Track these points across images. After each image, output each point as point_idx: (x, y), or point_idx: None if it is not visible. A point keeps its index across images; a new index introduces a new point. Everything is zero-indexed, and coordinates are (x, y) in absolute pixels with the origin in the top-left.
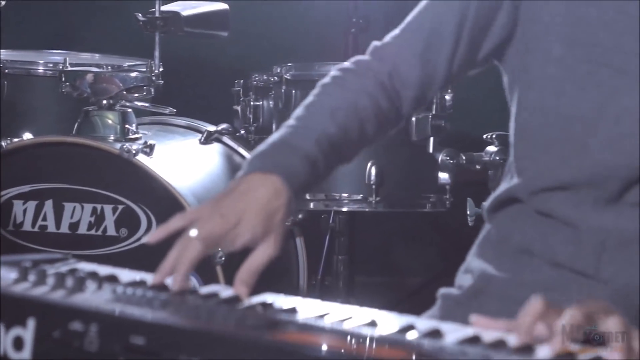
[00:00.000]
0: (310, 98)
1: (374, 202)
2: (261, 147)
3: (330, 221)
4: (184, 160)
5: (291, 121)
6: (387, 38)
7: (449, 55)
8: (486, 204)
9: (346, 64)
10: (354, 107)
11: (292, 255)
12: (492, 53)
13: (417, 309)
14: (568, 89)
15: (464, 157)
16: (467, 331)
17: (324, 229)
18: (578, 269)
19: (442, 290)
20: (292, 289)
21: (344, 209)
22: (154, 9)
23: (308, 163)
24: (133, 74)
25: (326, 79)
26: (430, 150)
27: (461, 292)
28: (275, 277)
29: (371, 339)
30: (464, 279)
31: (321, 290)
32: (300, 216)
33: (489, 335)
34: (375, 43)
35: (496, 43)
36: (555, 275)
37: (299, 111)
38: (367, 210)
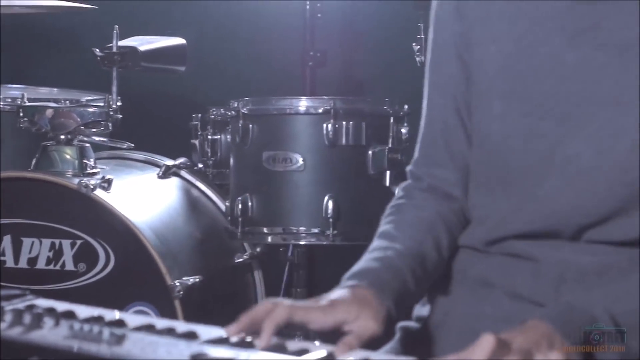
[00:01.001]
0: (381, 228)
1: (331, 235)
2: (352, 270)
3: (289, 254)
4: (142, 194)
5: (370, 251)
6: (415, 154)
7: (465, 137)
8: None
9: (397, 195)
10: (417, 220)
11: (251, 288)
12: None
13: (376, 342)
14: (513, 144)
15: None
16: None
17: (283, 262)
18: (537, 300)
19: (402, 323)
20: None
21: (302, 242)
22: (111, 44)
23: (392, 274)
24: (91, 109)
25: (385, 213)
26: (387, 183)
27: (421, 325)
28: (234, 310)
29: None
30: (422, 311)
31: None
32: (258, 249)
33: None
34: (409, 167)
35: None
36: (515, 307)
37: (374, 243)
38: (324, 243)
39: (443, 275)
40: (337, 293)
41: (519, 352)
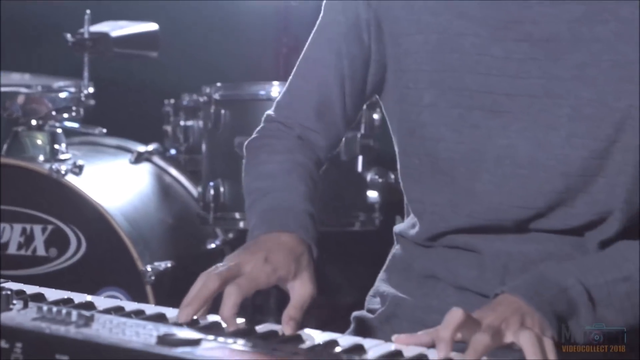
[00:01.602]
0: (254, 169)
1: None
2: (255, 218)
3: None
4: (114, 180)
5: (258, 192)
6: (281, 106)
7: (341, 108)
8: (395, 226)
9: (258, 134)
10: (300, 166)
11: None
12: (376, 91)
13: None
14: (445, 134)
15: (392, 176)
16: (389, 347)
17: None
18: (482, 291)
19: (355, 314)
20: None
21: None
22: (83, 30)
23: (309, 217)
24: (63, 95)
25: (251, 151)
26: (359, 169)
27: (374, 317)
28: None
29: (294, 353)
30: (373, 303)
31: (253, 309)
32: (230, 235)
33: (411, 350)
34: (269, 112)
35: (375, 87)
36: (461, 298)
37: (258, 184)
38: None
39: (390, 267)
40: (265, 243)
41: (489, 328)
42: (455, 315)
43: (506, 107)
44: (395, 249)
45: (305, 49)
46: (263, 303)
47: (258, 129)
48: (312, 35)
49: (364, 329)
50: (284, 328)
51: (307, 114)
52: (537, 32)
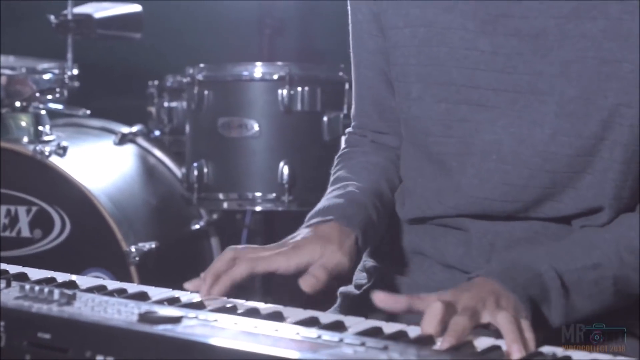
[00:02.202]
0: (331, 178)
1: (287, 201)
2: (312, 212)
3: (247, 221)
4: (98, 161)
5: (327, 195)
6: (352, 119)
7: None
8: None
9: (342, 146)
10: (372, 165)
11: (207, 255)
12: None
13: (329, 305)
14: (432, 128)
15: None
16: (370, 323)
17: (240, 229)
18: (468, 269)
19: (342, 289)
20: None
21: (257, 208)
22: (66, 11)
23: (357, 207)
24: (47, 77)
25: (335, 164)
26: None
27: (360, 292)
28: (190, 276)
29: (275, 330)
30: (360, 277)
31: (238, 289)
32: (215, 216)
33: (391, 327)
34: (348, 129)
35: None
36: (447, 275)
37: (329, 188)
38: (280, 209)
39: (378, 243)
40: (299, 234)
41: (465, 310)
42: (435, 309)
43: (492, 101)
44: None
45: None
46: (248, 283)
47: (344, 138)
48: (350, 40)
49: (350, 305)
50: (301, 283)
51: (371, 117)
52: (525, 27)
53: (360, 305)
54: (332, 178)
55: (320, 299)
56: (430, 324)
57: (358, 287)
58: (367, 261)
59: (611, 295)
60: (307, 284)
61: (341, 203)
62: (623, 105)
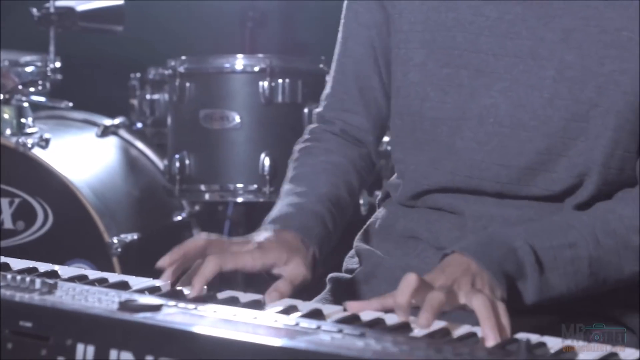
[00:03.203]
0: (290, 173)
1: (268, 192)
2: (272, 213)
3: (229, 212)
4: (81, 153)
5: (282, 195)
6: (323, 99)
7: (380, 85)
8: (380, 193)
9: (304, 137)
10: (332, 166)
11: None
12: None
13: (315, 296)
14: (430, 93)
15: None
16: (348, 312)
17: (222, 221)
18: None
19: (332, 275)
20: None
21: (239, 200)
22: (48, 4)
23: (316, 218)
24: (29, 69)
25: (294, 155)
26: None
27: (351, 277)
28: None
29: (254, 317)
30: (351, 263)
31: (220, 280)
32: (197, 208)
33: (368, 315)
34: (317, 110)
35: None
36: (440, 258)
37: (286, 187)
38: (261, 200)
39: (370, 229)
40: (263, 235)
41: (442, 288)
42: (410, 280)
43: (492, 66)
44: (375, 214)
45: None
46: (230, 274)
47: (307, 129)
48: (342, 16)
49: (341, 290)
50: (267, 296)
51: (350, 93)
52: None
53: (352, 290)
54: (291, 173)
55: (302, 290)
56: (403, 294)
57: (349, 271)
58: (359, 245)
59: (587, 276)
60: (271, 298)
61: (299, 213)
62: (618, 71)
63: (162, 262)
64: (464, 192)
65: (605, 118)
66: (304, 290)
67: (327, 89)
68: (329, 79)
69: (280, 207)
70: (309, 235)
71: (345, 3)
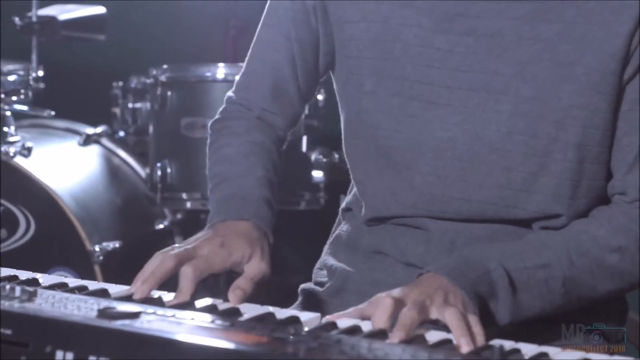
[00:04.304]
0: (216, 153)
1: None
2: (213, 206)
3: None
4: (63, 162)
5: (217, 178)
6: (240, 86)
7: (295, 88)
8: (342, 203)
9: (220, 115)
10: (258, 146)
11: None
12: (330, 69)
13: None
14: (383, 122)
15: (336, 156)
16: (324, 319)
17: (203, 228)
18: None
19: (303, 286)
20: (172, 288)
21: None
22: (31, 14)
23: (265, 203)
24: (11, 78)
25: (213, 135)
26: (304, 149)
27: (322, 290)
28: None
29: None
30: (320, 275)
31: (203, 289)
32: (178, 216)
33: (345, 322)
34: (230, 94)
35: (327, 66)
36: (407, 273)
37: (218, 169)
38: None
39: (336, 242)
40: (222, 231)
41: (414, 304)
42: (385, 303)
43: (445, 99)
44: (340, 226)
45: (258, 30)
46: (212, 283)
47: (220, 109)
48: (263, 16)
49: (313, 302)
50: (230, 297)
51: (264, 95)
52: (481, 27)
53: (324, 303)
54: (217, 153)
55: (280, 298)
56: (380, 319)
57: (319, 284)
58: (327, 259)
59: (561, 295)
60: (235, 297)
61: (248, 200)
62: (576, 107)
63: (141, 292)
64: (427, 218)
65: (566, 152)
66: (264, 286)
67: (244, 79)
68: (246, 68)
69: (224, 193)
70: (263, 222)
71: (266, 10)
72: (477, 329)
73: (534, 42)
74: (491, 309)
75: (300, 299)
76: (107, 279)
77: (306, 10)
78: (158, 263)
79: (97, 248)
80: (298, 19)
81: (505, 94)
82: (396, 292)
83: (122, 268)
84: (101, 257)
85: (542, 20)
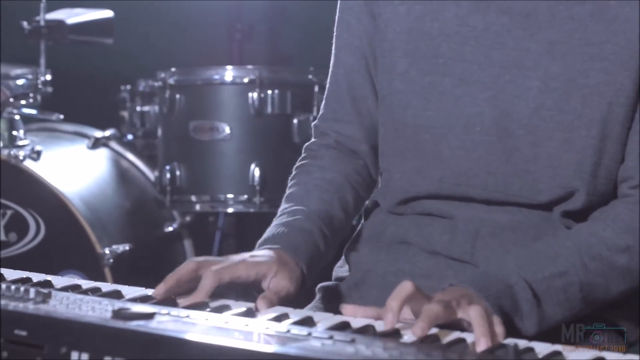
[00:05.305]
0: (286, 193)
1: (258, 202)
2: (264, 235)
3: (220, 223)
4: (72, 165)
5: (279, 215)
6: (321, 111)
7: (373, 95)
8: (367, 202)
9: (304, 149)
10: (325, 182)
11: (181, 257)
12: None
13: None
14: (413, 101)
15: None
16: (338, 319)
17: (213, 231)
18: (454, 256)
19: (321, 284)
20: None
21: (229, 210)
22: (39, 18)
23: (305, 235)
24: (20, 82)
25: (294, 170)
26: None
27: (342, 284)
28: (163, 278)
29: (245, 324)
30: (341, 272)
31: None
32: (187, 218)
33: (358, 322)
34: (314, 122)
35: None
36: (431, 263)
37: (282, 205)
38: (251, 210)
39: (359, 237)
40: (257, 252)
41: (440, 301)
42: (405, 287)
43: (476, 76)
44: (362, 223)
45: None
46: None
47: (305, 145)
48: (335, 28)
49: (331, 298)
50: (258, 302)
51: (343, 102)
52: (517, 6)
53: (343, 297)
54: (286, 192)
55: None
56: (396, 297)
57: (339, 279)
58: (349, 255)
59: (579, 301)
60: (262, 304)
61: (287, 232)
62: (602, 83)
63: (158, 291)
64: (452, 199)
65: (590, 129)
66: (288, 304)
67: (324, 99)
68: (327, 87)
69: (271, 228)
70: (296, 253)
71: (337, 15)
72: (499, 329)
73: (566, 21)
74: (516, 323)
75: (318, 296)
76: (117, 282)
77: (367, 2)
78: (181, 266)
79: (107, 251)
80: (362, 13)
81: (535, 71)
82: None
83: (132, 270)
84: (111, 260)
85: (575, 0)
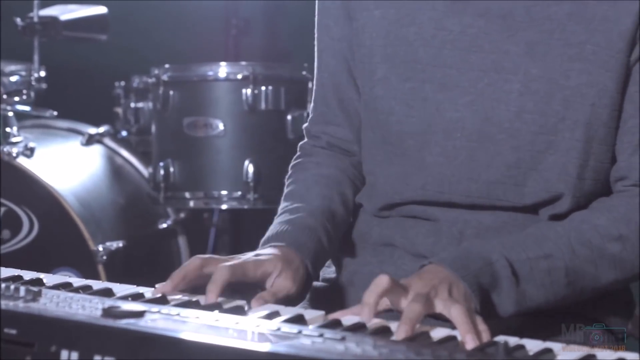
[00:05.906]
0: (284, 191)
1: (252, 199)
2: (267, 234)
3: (215, 219)
4: (66, 162)
5: (280, 213)
6: (310, 114)
7: (358, 96)
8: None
9: (299, 148)
10: (324, 178)
11: (175, 253)
12: None
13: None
14: (396, 107)
15: None
16: (329, 317)
17: (208, 228)
18: None
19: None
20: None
21: (223, 207)
22: (32, 14)
23: (309, 231)
24: (13, 78)
25: (288, 174)
26: None
27: (329, 285)
28: (157, 275)
29: (236, 322)
30: (328, 272)
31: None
32: (182, 215)
33: (349, 320)
34: (305, 125)
35: None
36: (417, 265)
37: (282, 204)
38: (245, 207)
39: (347, 237)
40: (262, 251)
41: (419, 297)
42: (381, 281)
43: (456, 80)
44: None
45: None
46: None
47: (299, 144)
48: (315, 30)
49: (319, 299)
50: (253, 301)
51: (330, 105)
52: (493, 8)
53: (330, 299)
54: (285, 191)
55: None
56: (371, 293)
57: (326, 281)
58: (337, 255)
59: (564, 286)
60: (256, 303)
61: (291, 230)
62: (584, 85)
63: (164, 288)
64: (436, 205)
65: (574, 131)
66: (288, 304)
67: (312, 102)
68: (313, 91)
69: (273, 226)
70: (301, 250)
71: (316, 17)
72: (482, 327)
73: (544, 22)
74: (494, 300)
75: (307, 296)
76: (110, 279)
77: (345, 6)
78: (187, 263)
79: (100, 248)
80: (340, 17)
81: (515, 73)
82: (400, 280)
83: (125, 267)
84: (105, 257)
85: (552, 0)
